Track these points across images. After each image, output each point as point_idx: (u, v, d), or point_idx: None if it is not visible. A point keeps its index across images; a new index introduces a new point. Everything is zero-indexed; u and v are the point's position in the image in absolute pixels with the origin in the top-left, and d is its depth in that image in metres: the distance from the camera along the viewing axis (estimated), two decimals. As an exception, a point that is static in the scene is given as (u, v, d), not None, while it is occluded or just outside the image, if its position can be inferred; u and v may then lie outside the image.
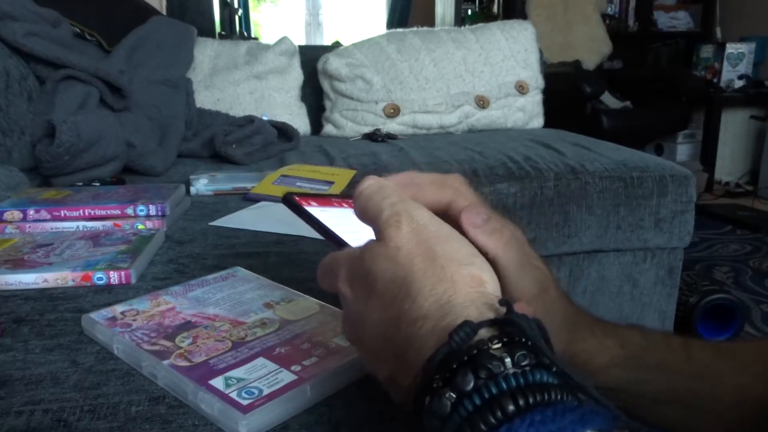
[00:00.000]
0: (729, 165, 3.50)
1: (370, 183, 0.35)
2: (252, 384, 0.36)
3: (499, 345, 0.25)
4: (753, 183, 3.39)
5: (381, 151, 1.64)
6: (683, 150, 3.39)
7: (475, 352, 0.25)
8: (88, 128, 1.11)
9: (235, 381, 0.36)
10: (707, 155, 3.32)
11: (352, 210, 0.37)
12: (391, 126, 1.99)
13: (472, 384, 0.24)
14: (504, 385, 0.24)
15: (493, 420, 0.23)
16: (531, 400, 0.23)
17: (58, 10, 1.40)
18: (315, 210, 0.41)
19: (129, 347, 0.41)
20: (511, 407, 0.23)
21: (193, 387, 0.36)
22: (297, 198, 0.41)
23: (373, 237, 0.33)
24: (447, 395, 0.25)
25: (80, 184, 1.09)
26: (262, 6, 6.76)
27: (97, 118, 1.19)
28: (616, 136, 2.25)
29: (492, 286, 0.30)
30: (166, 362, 0.39)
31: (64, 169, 1.10)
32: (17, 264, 0.59)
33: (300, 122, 1.96)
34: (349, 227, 0.39)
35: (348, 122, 2.00)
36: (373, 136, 1.89)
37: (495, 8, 4.16)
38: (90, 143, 1.10)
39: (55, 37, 1.33)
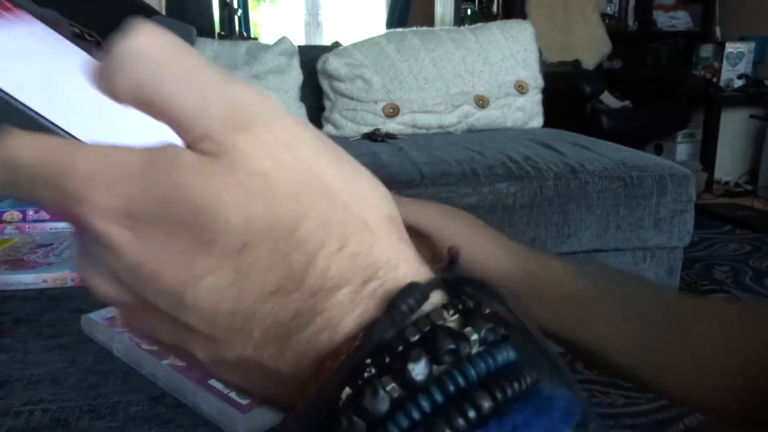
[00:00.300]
0: (728, 164, 3.50)
1: (151, 39, 0.18)
2: None
3: (455, 315, 0.19)
4: (752, 182, 3.40)
5: (381, 151, 1.64)
6: (683, 149, 3.40)
7: (427, 327, 0.18)
8: (88, 128, 1.11)
9: None
10: (707, 155, 3.32)
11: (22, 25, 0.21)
12: (391, 126, 1.99)
13: (426, 372, 0.17)
14: (473, 373, 0.18)
15: (463, 423, 0.17)
16: (509, 392, 0.17)
17: (57, 10, 1.40)
18: None
19: (128, 347, 0.41)
20: (488, 403, 0.17)
21: (192, 386, 0.36)
22: None
23: (163, 132, 0.19)
24: (388, 388, 0.17)
25: (80, 184, 1.09)
26: (262, 6, 6.76)
27: (96, 118, 1.19)
28: (616, 135, 2.25)
29: (405, 232, 0.21)
30: (165, 362, 0.39)
31: (63, 169, 1.10)
32: (17, 264, 0.59)
33: (299, 122, 1.96)
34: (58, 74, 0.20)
35: (347, 122, 2.00)
36: (373, 136, 1.89)
37: (494, 8, 4.17)
38: (89, 143, 1.11)
39: (54, 38, 1.33)
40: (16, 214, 0.72)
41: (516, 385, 0.18)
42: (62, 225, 0.73)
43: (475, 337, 0.18)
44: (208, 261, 0.19)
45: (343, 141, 1.91)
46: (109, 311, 0.47)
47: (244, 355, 0.20)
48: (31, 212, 0.73)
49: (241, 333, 0.19)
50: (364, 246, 0.19)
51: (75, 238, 0.20)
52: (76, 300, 0.53)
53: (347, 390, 0.18)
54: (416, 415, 0.17)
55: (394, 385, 0.17)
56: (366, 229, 0.20)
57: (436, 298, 0.19)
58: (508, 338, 0.19)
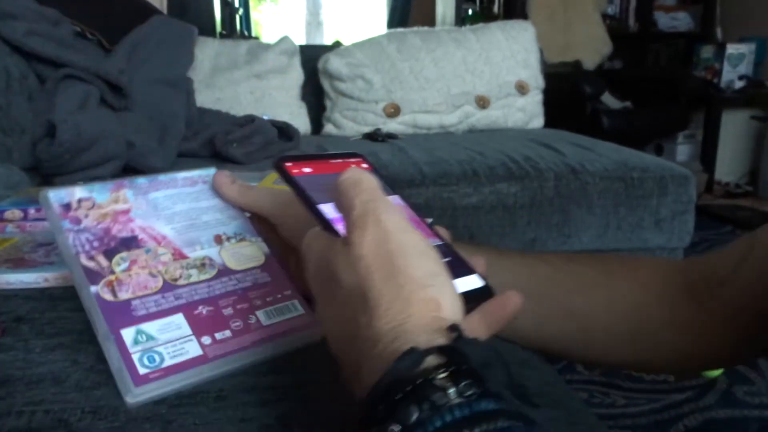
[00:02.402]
0: (729, 165, 3.49)
1: (349, 175, 0.32)
2: (158, 347, 0.36)
3: (444, 374, 0.24)
4: (753, 183, 3.40)
5: (381, 151, 1.64)
6: (683, 150, 3.39)
7: (419, 381, 0.24)
8: (89, 127, 1.11)
9: (144, 339, 0.37)
10: (707, 156, 3.32)
11: None
12: (392, 126, 1.99)
13: (415, 416, 0.23)
14: (448, 418, 0.23)
15: None
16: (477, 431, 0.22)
17: (58, 9, 1.40)
18: (307, 180, 0.37)
19: (68, 255, 0.40)
20: None
21: (104, 331, 0.36)
22: (288, 164, 0.37)
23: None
24: (391, 428, 0.23)
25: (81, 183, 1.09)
26: (263, 5, 6.76)
27: (97, 117, 1.19)
28: (616, 136, 2.25)
29: (449, 311, 0.28)
30: (93, 289, 0.38)
31: (64, 168, 1.10)
32: (18, 263, 0.59)
33: (300, 122, 1.96)
34: None
35: (348, 122, 2.00)
36: (374, 136, 1.89)
37: (495, 8, 4.16)
38: (90, 142, 1.10)
39: (55, 36, 1.33)
40: (17, 213, 0.72)
41: (485, 426, 0.22)
42: (63, 224, 0.73)
43: (452, 390, 0.24)
44: (329, 308, 0.31)
45: (343, 141, 1.91)
46: (68, 195, 0.43)
47: (340, 363, 0.31)
48: (32, 211, 0.72)
49: (336, 351, 0.31)
50: (401, 316, 0.27)
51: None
52: (77, 299, 0.53)
53: (374, 429, 0.24)
54: None
55: (394, 426, 0.23)
56: (408, 305, 0.28)
57: (433, 360, 0.25)
58: (488, 393, 0.24)
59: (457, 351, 0.25)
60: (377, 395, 0.25)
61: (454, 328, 0.27)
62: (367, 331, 0.27)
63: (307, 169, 0.38)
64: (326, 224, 0.34)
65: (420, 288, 0.28)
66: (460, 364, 0.25)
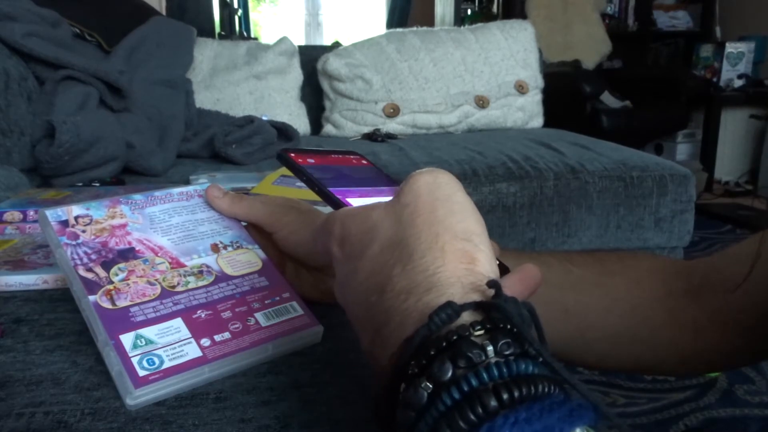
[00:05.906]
0: (728, 164, 3.49)
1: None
2: (157, 350, 0.36)
3: (481, 331, 0.23)
4: (752, 182, 3.40)
5: (381, 151, 1.64)
6: (683, 149, 3.40)
7: (455, 338, 0.23)
8: (88, 129, 1.11)
9: (143, 343, 0.37)
10: (707, 155, 3.32)
11: (355, 167, 0.39)
12: (391, 126, 1.99)
13: (450, 374, 0.22)
14: (485, 377, 0.21)
15: (473, 417, 0.20)
16: (516, 394, 0.21)
17: (57, 11, 1.40)
18: (312, 168, 0.39)
19: (66, 267, 0.41)
20: (493, 403, 0.20)
21: (104, 339, 0.36)
22: (293, 155, 0.40)
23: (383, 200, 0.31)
24: (423, 385, 0.22)
25: (80, 184, 1.09)
26: (262, 6, 6.76)
27: (96, 118, 1.19)
28: (616, 135, 2.25)
29: (484, 267, 0.27)
30: (92, 298, 0.38)
31: (64, 169, 1.10)
32: (17, 265, 0.59)
33: (300, 122, 1.96)
34: (351, 186, 0.37)
35: (348, 122, 2.00)
36: (373, 136, 1.89)
37: (494, 8, 4.17)
38: (90, 144, 1.10)
39: (54, 38, 1.33)
40: (16, 215, 0.72)
41: (524, 389, 0.21)
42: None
43: (491, 348, 0.22)
44: (359, 263, 0.29)
45: (343, 141, 1.91)
46: (65, 213, 0.44)
47: (359, 334, 0.29)
48: (31, 212, 0.73)
49: (361, 315, 0.29)
50: (435, 265, 0.26)
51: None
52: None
53: (403, 385, 0.23)
54: (442, 407, 0.21)
55: (427, 383, 0.22)
56: (441, 254, 0.26)
57: (469, 316, 0.24)
58: (530, 355, 0.23)
59: (497, 308, 0.23)
60: (409, 351, 0.23)
61: (492, 284, 0.25)
62: (400, 282, 0.26)
63: (310, 160, 0.40)
64: (338, 206, 0.34)
65: (455, 240, 0.27)
66: (498, 322, 0.23)
